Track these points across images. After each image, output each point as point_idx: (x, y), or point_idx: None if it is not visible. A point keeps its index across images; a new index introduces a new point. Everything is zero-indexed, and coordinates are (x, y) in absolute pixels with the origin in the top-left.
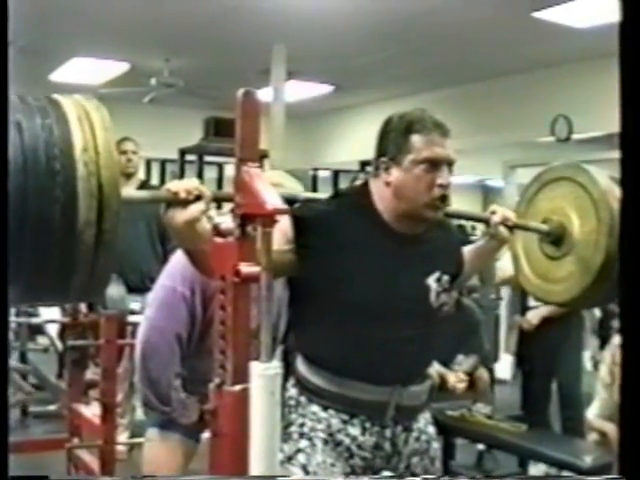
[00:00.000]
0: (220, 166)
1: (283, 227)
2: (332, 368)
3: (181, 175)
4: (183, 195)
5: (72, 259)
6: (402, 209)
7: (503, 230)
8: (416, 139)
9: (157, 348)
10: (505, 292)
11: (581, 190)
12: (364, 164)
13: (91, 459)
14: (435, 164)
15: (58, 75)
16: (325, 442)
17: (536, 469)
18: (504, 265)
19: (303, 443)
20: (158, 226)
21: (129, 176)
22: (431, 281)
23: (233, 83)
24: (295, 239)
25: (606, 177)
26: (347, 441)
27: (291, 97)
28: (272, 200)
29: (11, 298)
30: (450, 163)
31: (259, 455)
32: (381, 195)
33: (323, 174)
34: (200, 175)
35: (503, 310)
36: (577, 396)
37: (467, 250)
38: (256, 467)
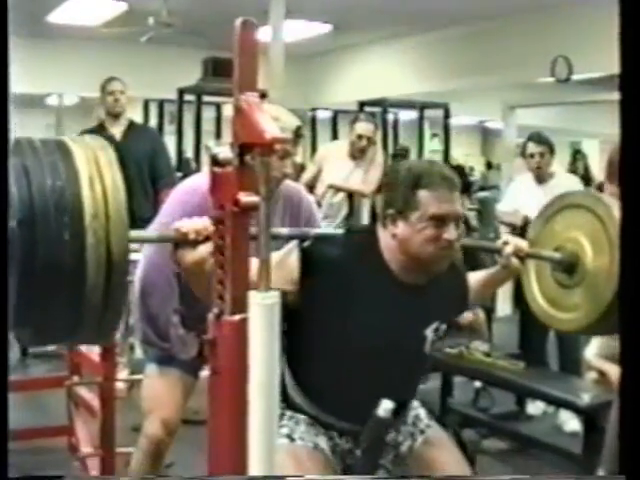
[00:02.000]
0: (218, 106)
1: (289, 267)
2: (312, 397)
3: (179, 116)
4: (192, 236)
5: (79, 318)
6: (408, 262)
7: (515, 261)
8: (423, 195)
9: (156, 285)
10: (504, 231)
11: (599, 223)
12: (363, 104)
13: (91, 397)
14: (442, 220)
15: (56, 16)
16: (307, 424)
17: (534, 407)
18: (505, 206)
19: (286, 422)
20: (149, 166)
21: (117, 116)
22: (429, 332)
23: (232, 23)
24: (300, 281)
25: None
26: (325, 438)
27: (290, 37)
28: (271, 129)
29: (21, 338)
30: (457, 218)
31: (258, 386)
32: (388, 246)
33: (322, 115)
34: (198, 115)
35: None
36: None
37: (475, 279)
38: (255, 399)
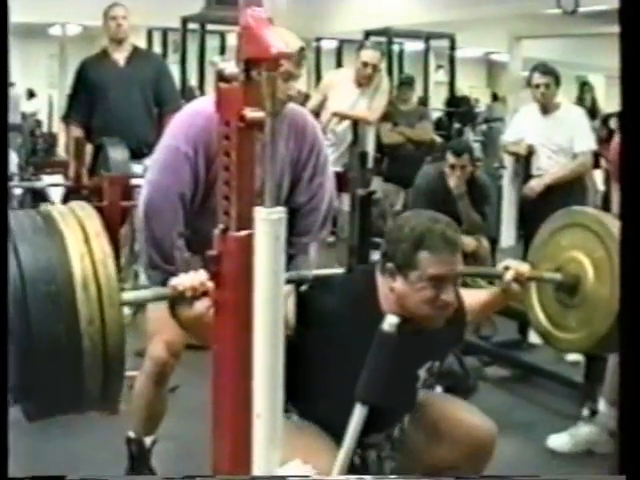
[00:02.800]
0: (222, 35)
1: (287, 311)
2: (297, 406)
3: (183, 45)
4: (189, 294)
5: (81, 395)
6: (404, 315)
7: (515, 286)
8: (424, 256)
9: (160, 208)
10: (508, 160)
11: (600, 244)
12: (368, 34)
13: None
14: (441, 280)
15: None
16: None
17: (536, 337)
18: (509, 136)
19: None
20: (153, 91)
21: (120, 42)
22: (422, 371)
23: None
24: (296, 327)
25: (612, 218)
26: None
27: None
28: (277, 43)
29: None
30: (456, 278)
31: (264, 300)
32: (385, 296)
33: (328, 45)
34: (202, 44)
35: (506, 179)
36: None
37: (474, 301)
38: (260, 316)
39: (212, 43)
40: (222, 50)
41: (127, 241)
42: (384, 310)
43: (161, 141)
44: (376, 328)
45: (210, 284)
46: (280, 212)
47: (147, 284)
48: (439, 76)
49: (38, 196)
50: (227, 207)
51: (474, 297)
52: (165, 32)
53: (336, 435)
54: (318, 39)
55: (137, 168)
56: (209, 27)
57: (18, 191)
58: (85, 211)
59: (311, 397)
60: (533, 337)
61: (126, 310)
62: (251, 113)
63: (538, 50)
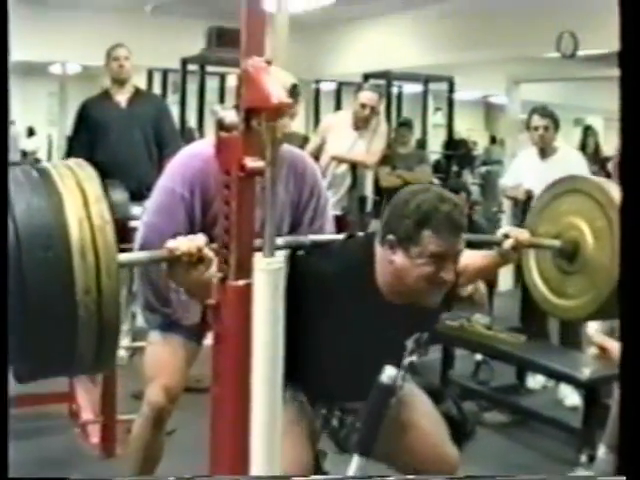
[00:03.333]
0: (222, 76)
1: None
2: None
3: (183, 86)
4: (185, 259)
5: (75, 355)
6: (400, 289)
7: (513, 253)
8: (427, 235)
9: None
10: (507, 205)
11: (599, 209)
12: (367, 76)
13: None
14: (441, 258)
15: None
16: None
17: (534, 381)
18: (508, 180)
19: None
20: (154, 133)
21: (122, 83)
22: (409, 342)
23: None
24: (288, 290)
25: (615, 186)
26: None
27: (294, 8)
28: (277, 93)
29: (19, 374)
30: (456, 256)
31: (263, 347)
32: (383, 268)
33: (327, 87)
34: (202, 85)
35: (505, 223)
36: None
37: (470, 262)
38: (259, 364)
39: (212, 84)
40: (222, 91)
41: (125, 282)
42: (377, 282)
43: (158, 183)
44: (366, 298)
45: (207, 250)
46: (279, 262)
47: (144, 326)
48: (437, 118)
49: None
50: (226, 256)
51: (469, 259)
52: (165, 73)
53: (326, 402)
54: (317, 81)
55: (136, 210)
56: (209, 68)
57: None
58: (85, 172)
59: (301, 364)
60: (531, 382)
61: (122, 352)
62: (251, 162)
63: (536, 93)
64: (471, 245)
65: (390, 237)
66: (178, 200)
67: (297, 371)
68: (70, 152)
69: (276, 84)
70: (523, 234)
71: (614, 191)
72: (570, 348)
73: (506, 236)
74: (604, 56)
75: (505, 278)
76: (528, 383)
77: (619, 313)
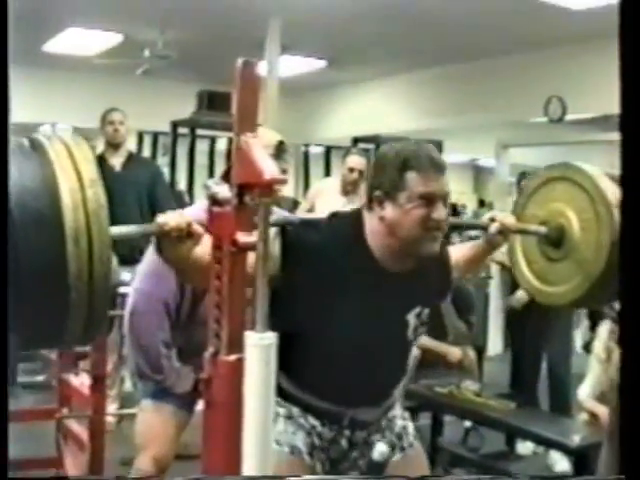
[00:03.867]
0: (212, 139)
1: (272, 253)
2: (296, 380)
3: (173, 148)
4: (175, 234)
5: (64, 325)
6: (395, 245)
7: (499, 238)
8: (411, 176)
9: (144, 314)
10: (495, 270)
11: (584, 194)
12: (356, 140)
13: (80, 430)
14: (430, 200)
15: (52, 45)
16: (287, 418)
17: (523, 447)
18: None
19: None
20: (148, 197)
21: (116, 147)
22: (411, 317)
23: (227, 56)
24: (282, 267)
25: (610, 182)
26: (307, 426)
27: (285, 72)
28: (270, 169)
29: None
30: (445, 198)
31: (253, 427)
32: (374, 230)
33: (315, 150)
34: (192, 148)
35: (493, 288)
36: (566, 376)
37: (459, 254)
38: (249, 439)
39: (202, 147)
40: (212, 154)
41: (115, 347)
42: (370, 248)
43: (148, 249)
44: (361, 266)
45: (196, 225)
46: (271, 337)
47: (132, 391)
48: None
49: None
50: (218, 330)
51: (460, 251)
52: (155, 135)
53: (332, 409)
54: (306, 145)
55: (126, 276)
56: (199, 131)
57: None
58: (81, 152)
59: (296, 341)
60: (521, 448)
61: (110, 418)
62: (243, 237)
63: (525, 156)
64: (457, 228)
65: (377, 193)
66: (167, 267)
67: (297, 371)
68: None
69: (269, 160)
70: (509, 218)
71: (606, 185)
72: (560, 414)
73: (492, 220)
74: (592, 120)
75: (495, 342)
76: (518, 449)
77: (619, 313)
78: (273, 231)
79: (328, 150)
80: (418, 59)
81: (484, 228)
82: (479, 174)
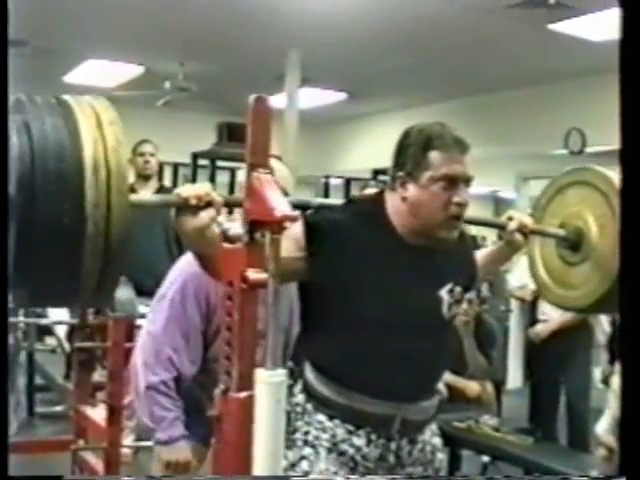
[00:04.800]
0: (232, 171)
1: (295, 234)
2: (340, 379)
3: (193, 180)
4: (194, 202)
5: (77, 282)
6: (417, 226)
7: (518, 236)
8: (435, 156)
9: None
10: (515, 304)
11: (602, 198)
12: (377, 172)
13: (96, 461)
14: (453, 181)
15: (72, 77)
16: (329, 451)
17: None
18: (516, 280)
19: (307, 451)
20: (175, 230)
21: (146, 178)
22: (444, 293)
23: (247, 88)
24: (307, 247)
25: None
26: (351, 451)
27: (305, 104)
28: (281, 207)
29: (19, 300)
30: (468, 180)
31: (263, 464)
32: (396, 209)
33: (335, 181)
34: (212, 180)
35: (513, 322)
36: (585, 410)
37: (480, 255)
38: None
39: (222, 178)
40: (232, 186)
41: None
42: (394, 224)
43: (160, 290)
44: (386, 242)
45: (215, 194)
46: (281, 375)
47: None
48: None
49: (43, 329)
50: (228, 367)
51: (481, 252)
52: (176, 167)
53: (377, 407)
54: (326, 176)
55: (144, 308)
56: (219, 163)
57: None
58: (101, 103)
59: (332, 331)
60: None
61: (127, 450)
62: (254, 274)
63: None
64: (476, 224)
65: (400, 174)
66: (179, 309)
67: (338, 366)
68: None
69: (281, 197)
70: (527, 218)
71: (617, 179)
72: (578, 449)
73: (510, 218)
74: (612, 152)
75: (514, 376)
76: None
77: (619, 310)
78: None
79: (348, 182)
80: (437, 91)
81: (502, 227)
82: (499, 206)
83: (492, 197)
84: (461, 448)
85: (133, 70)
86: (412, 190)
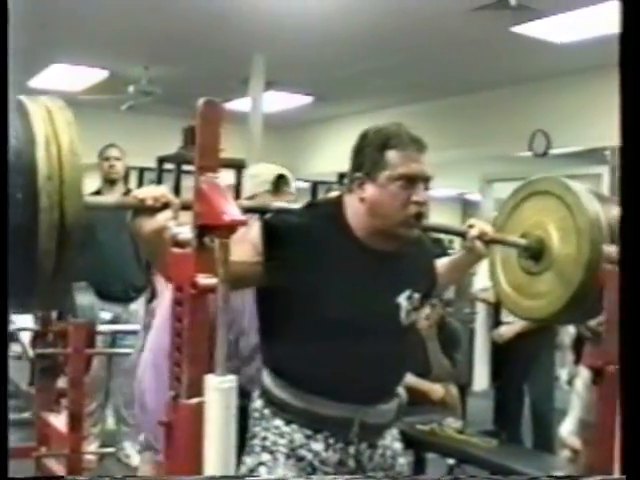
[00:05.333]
0: None
1: (252, 238)
2: (298, 383)
3: (159, 184)
4: (150, 202)
5: (30, 282)
6: (376, 226)
7: (480, 245)
8: (392, 155)
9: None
10: (480, 306)
11: (566, 211)
12: (342, 176)
13: (59, 468)
14: (411, 180)
15: (37, 81)
16: (287, 457)
17: None
18: (479, 283)
19: (265, 457)
20: (131, 233)
21: (112, 183)
22: (402, 299)
23: (212, 92)
24: (265, 251)
25: (594, 201)
26: (310, 456)
27: (271, 107)
28: (230, 211)
29: None
30: (426, 179)
31: (213, 470)
32: (355, 211)
33: (301, 185)
34: (178, 184)
35: (479, 324)
36: (549, 412)
37: (442, 263)
38: None
39: (188, 183)
40: None
41: (102, 384)
42: (352, 228)
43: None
44: (344, 245)
45: (171, 196)
46: (231, 381)
47: (114, 429)
48: None
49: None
50: (178, 373)
51: (442, 260)
52: (142, 171)
53: (336, 413)
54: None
55: (105, 314)
56: (185, 167)
57: None
58: (51, 99)
59: (289, 335)
60: None
61: (92, 457)
62: (204, 280)
63: (510, 191)
64: (437, 232)
65: (357, 175)
66: None
67: (295, 369)
68: None
69: (230, 202)
70: (488, 226)
71: (587, 198)
72: (543, 450)
73: (470, 226)
74: (576, 154)
75: (480, 378)
76: None
77: (620, 311)
78: (252, 217)
79: (315, 185)
80: (401, 95)
81: (463, 234)
82: (466, 208)
83: (460, 200)
84: (425, 451)
85: (98, 74)
86: (370, 190)
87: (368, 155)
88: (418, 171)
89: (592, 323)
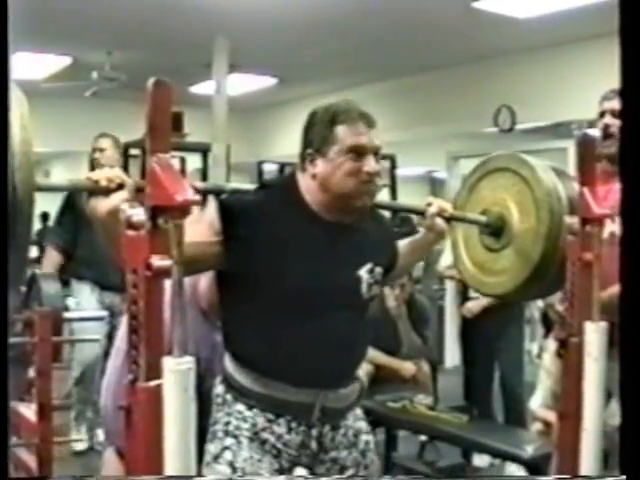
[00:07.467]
0: None
1: (210, 218)
2: (259, 368)
3: (125, 170)
4: (104, 183)
5: None
6: (329, 200)
7: (440, 222)
8: (341, 130)
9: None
10: (449, 283)
11: (524, 184)
12: None
13: (29, 458)
14: (360, 153)
15: None
16: (251, 440)
17: (480, 460)
18: (446, 260)
19: (229, 441)
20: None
21: None
22: (363, 272)
23: (177, 76)
24: (222, 230)
25: (551, 173)
26: (272, 439)
27: (235, 90)
28: (182, 191)
29: None
30: (376, 151)
31: (174, 453)
32: (308, 188)
33: (269, 167)
34: (144, 169)
35: (448, 300)
36: (518, 386)
37: (403, 244)
38: (171, 466)
39: None
40: None
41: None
42: (308, 203)
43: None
44: (302, 220)
45: (125, 177)
46: (189, 362)
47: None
48: (383, 195)
49: None
50: (135, 356)
51: (403, 241)
52: None
53: (297, 396)
54: (260, 162)
55: (70, 301)
56: None
57: None
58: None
59: (250, 317)
60: (478, 460)
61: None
62: (158, 262)
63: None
64: (396, 212)
65: (308, 151)
66: None
67: (255, 353)
68: (51, 236)
69: (182, 181)
70: (447, 203)
71: (547, 176)
72: (514, 425)
73: (429, 204)
74: (542, 129)
75: (452, 354)
76: (474, 461)
77: (619, 310)
78: (209, 198)
79: (282, 167)
80: (367, 74)
81: (422, 213)
82: (435, 185)
83: (428, 178)
84: (397, 429)
85: (61, 61)
86: (321, 165)
87: (317, 132)
88: (367, 143)
89: (559, 308)
